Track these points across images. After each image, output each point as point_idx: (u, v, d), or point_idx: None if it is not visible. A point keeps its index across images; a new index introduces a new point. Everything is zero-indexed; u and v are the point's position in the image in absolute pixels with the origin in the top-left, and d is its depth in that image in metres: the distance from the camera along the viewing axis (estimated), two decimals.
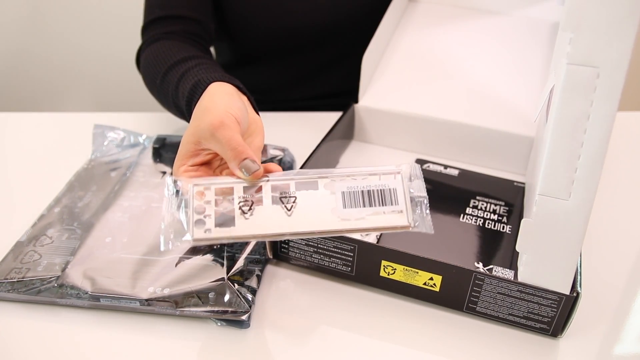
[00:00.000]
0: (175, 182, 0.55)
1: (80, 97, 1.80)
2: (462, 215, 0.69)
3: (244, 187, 0.54)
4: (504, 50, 0.90)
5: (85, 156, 0.81)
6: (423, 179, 0.55)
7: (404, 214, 0.53)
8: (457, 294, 0.59)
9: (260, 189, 0.54)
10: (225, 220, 0.52)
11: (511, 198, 0.73)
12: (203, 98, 0.62)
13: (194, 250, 0.64)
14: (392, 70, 0.89)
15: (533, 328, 0.58)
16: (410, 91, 0.85)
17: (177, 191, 0.54)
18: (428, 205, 0.53)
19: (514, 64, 0.88)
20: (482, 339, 0.59)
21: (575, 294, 0.55)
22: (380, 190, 0.54)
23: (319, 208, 0.53)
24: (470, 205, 0.71)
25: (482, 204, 0.71)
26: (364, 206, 0.53)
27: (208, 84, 0.65)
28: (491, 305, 0.59)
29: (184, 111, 0.72)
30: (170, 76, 0.75)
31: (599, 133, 0.48)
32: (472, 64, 0.88)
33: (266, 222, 0.53)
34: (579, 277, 0.56)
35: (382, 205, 0.53)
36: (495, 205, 0.71)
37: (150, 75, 0.81)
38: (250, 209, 0.53)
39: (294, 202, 0.53)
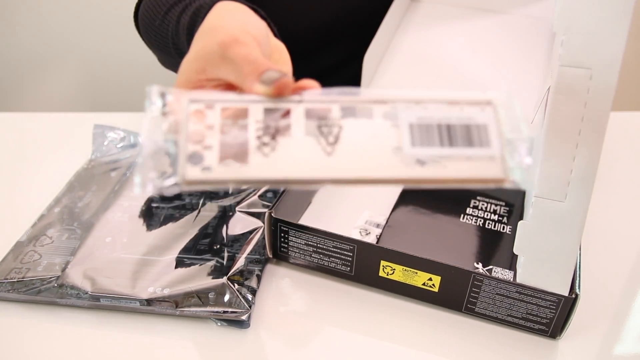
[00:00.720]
0: (163, 95, 0.39)
1: (80, 97, 1.81)
2: (462, 215, 0.69)
3: (265, 110, 0.39)
4: (506, 51, 0.90)
5: (85, 156, 0.82)
6: (521, 110, 0.40)
7: (497, 161, 0.38)
8: (456, 294, 0.59)
9: (288, 113, 0.39)
10: (234, 155, 0.37)
11: (511, 198, 0.73)
12: (207, 18, 0.48)
13: (196, 251, 0.64)
14: (394, 70, 0.89)
15: (532, 329, 0.59)
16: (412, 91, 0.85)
17: (165, 108, 0.39)
18: (531, 150, 0.39)
19: (517, 64, 0.88)
20: (481, 339, 0.59)
21: (574, 296, 0.55)
22: (465, 125, 0.39)
23: (374, 145, 0.38)
24: (471, 205, 0.71)
25: (483, 204, 0.71)
26: (442, 146, 0.38)
27: (213, 5, 0.51)
28: (490, 306, 0.59)
29: (185, 48, 0.59)
30: (171, 14, 0.63)
31: (593, 134, 0.48)
32: (474, 64, 0.88)
33: (295, 161, 0.37)
34: (577, 278, 0.56)
35: (468, 146, 0.38)
36: (496, 205, 0.71)
37: (148, 19, 0.69)
38: (273, 139, 0.38)
39: (337, 134, 0.38)
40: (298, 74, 0.97)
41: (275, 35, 0.53)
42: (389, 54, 0.91)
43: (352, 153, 0.38)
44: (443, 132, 0.38)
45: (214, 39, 0.43)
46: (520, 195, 0.74)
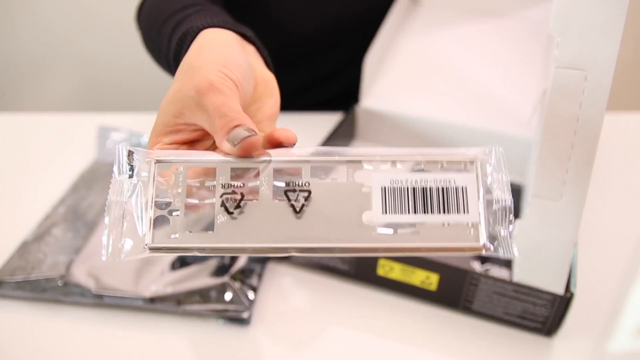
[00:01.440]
0: (130, 154, 0.37)
1: (82, 97, 1.82)
2: None
3: (233, 170, 0.37)
4: (506, 53, 0.91)
5: (88, 157, 0.83)
6: (507, 172, 0.37)
7: (474, 229, 0.36)
8: (453, 292, 0.60)
9: (257, 174, 0.37)
10: (199, 221, 0.36)
11: None
12: (190, 51, 0.46)
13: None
14: (394, 72, 0.89)
15: (528, 327, 0.59)
16: (412, 93, 0.86)
17: (133, 169, 0.37)
18: (513, 215, 0.36)
19: (517, 66, 0.89)
20: (478, 337, 0.60)
21: (569, 294, 0.55)
22: (443, 188, 0.36)
23: (344, 212, 0.36)
24: None
25: None
26: (415, 212, 0.36)
27: (199, 32, 0.49)
28: (487, 305, 0.60)
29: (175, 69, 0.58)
30: (166, 27, 0.61)
31: (589, 134, 0.48)
32: (474, 67, 0.89)
33: (261, 228, 0.36)
34: (573, 277, 0.56)
35: (444, 212, 0.36)
36: None
37: (147, 28, 0.68)
38: (239, 204, 0.36)
39: (306, 198, 0.37)
40: (299, 78, 0.98)
41: (266, 61, 0.51)
42: (390, 57, 0.92)
43: (321, 220, 0.36)
44: (417, 197, 0.36)
45: (191, 82, 0.41)
46: (517, 195, 0.74)
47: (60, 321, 0.61)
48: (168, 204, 0.36)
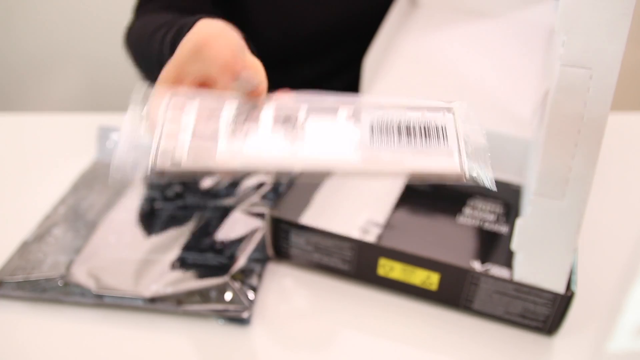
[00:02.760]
0: (146, 95, 0.44)
1: (83, 98, 1.82)
2: (460, 215, 0.70)
3: (238, 105, 0.43)
4: (506, 53, 0.91)
5: (89, 157, 0.82)
6: (480, 123, 0.42)
7: (455, 157, 0.40)
8: (454, 292, 0.60)
9: (260, 109, 0.43)
10: (204, 148, 0.41)
11: (509, 199, 0.74)
12: (188, 33, 0.49)
13: (199, 249, 0.65)
14: (394, 75, 0.89)
15: (528, 326, 0.59)
16: (412, 94, 0.86)
17: (146, 107, 0.43)
18: (489, 154, 0.40)
19: (516, 67, 0.89)
20: (478, 336, 0.60)
21: (570, 293, 0.55)
22: (424, 125, 0.41)
23: (336, 140, 0.41)
24: (469, 206, 0.72)
25: (481, 204, 0.72)
26: (400, 142, 0.41)
27: (195, 22, 0.51)
28: (487, 304, 0.59)
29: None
30: (157, 34, 0.64)
31: (593, 133, 0.48)
32: (474, 67, 0.89)
33: (261, 150, 0.41)
34: (574, 276, 0.56)
35: (426, 143, 0.40)
36: (493, 205, 0.72)
37: (135, 39, 0.72)
38: (240, 130, 0.42)
39: (302, 128, 0.42)
40: (299, 78, 0.98)
41: (252, 51, 0.54)
42: (389, 58, 0.92)
43: (315, 145, 0.41)
44: (402, 131, 0.41)
45: (192, 38, 0.45)
46: (517, 196, 0.74)
47: (60, 321, 0.60)
48: (176, 132, 0.41)
